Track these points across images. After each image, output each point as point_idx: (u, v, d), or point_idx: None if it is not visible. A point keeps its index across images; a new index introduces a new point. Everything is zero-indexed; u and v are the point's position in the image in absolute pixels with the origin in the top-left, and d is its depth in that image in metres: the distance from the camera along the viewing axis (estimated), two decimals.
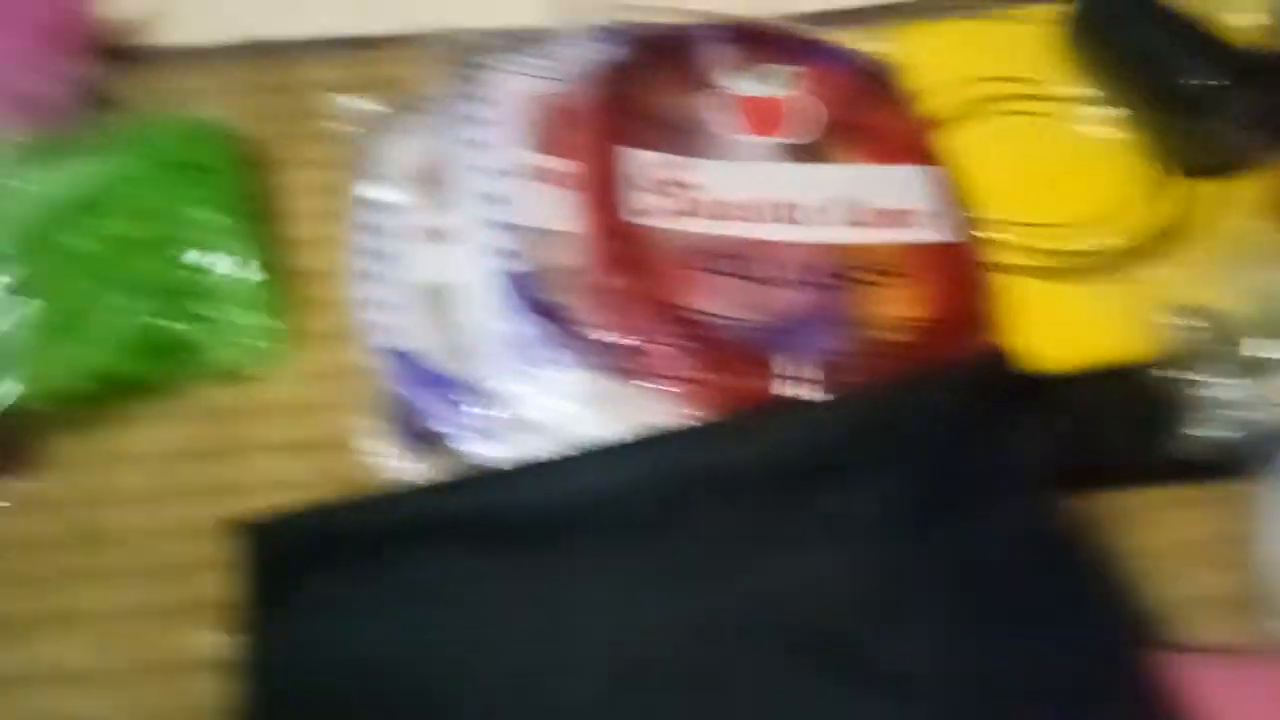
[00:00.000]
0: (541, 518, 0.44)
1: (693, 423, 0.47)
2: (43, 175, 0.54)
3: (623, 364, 0.48)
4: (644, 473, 0.44)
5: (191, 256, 0.54)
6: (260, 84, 0.68)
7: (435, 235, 0.58)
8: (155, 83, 0.66)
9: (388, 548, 0.44)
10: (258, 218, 0.59)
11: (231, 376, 0.54)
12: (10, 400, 0.48)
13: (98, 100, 0.62)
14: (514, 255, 0.53)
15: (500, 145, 0.57)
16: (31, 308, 0.50)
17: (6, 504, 0.49)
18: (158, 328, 0.52)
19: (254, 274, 0.55)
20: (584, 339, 0.49)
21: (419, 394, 0.52)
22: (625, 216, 0.53)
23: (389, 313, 0.55)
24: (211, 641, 0.44)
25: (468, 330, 0.52)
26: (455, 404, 0.50)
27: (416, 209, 0.59)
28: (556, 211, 0.54)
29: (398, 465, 0.50)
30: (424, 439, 0.50)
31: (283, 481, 0.50)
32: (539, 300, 0.51)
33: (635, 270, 0.51)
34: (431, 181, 0.61)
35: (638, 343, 0.49)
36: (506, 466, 0.47)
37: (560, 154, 0.56)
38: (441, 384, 0.51)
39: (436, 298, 0.56)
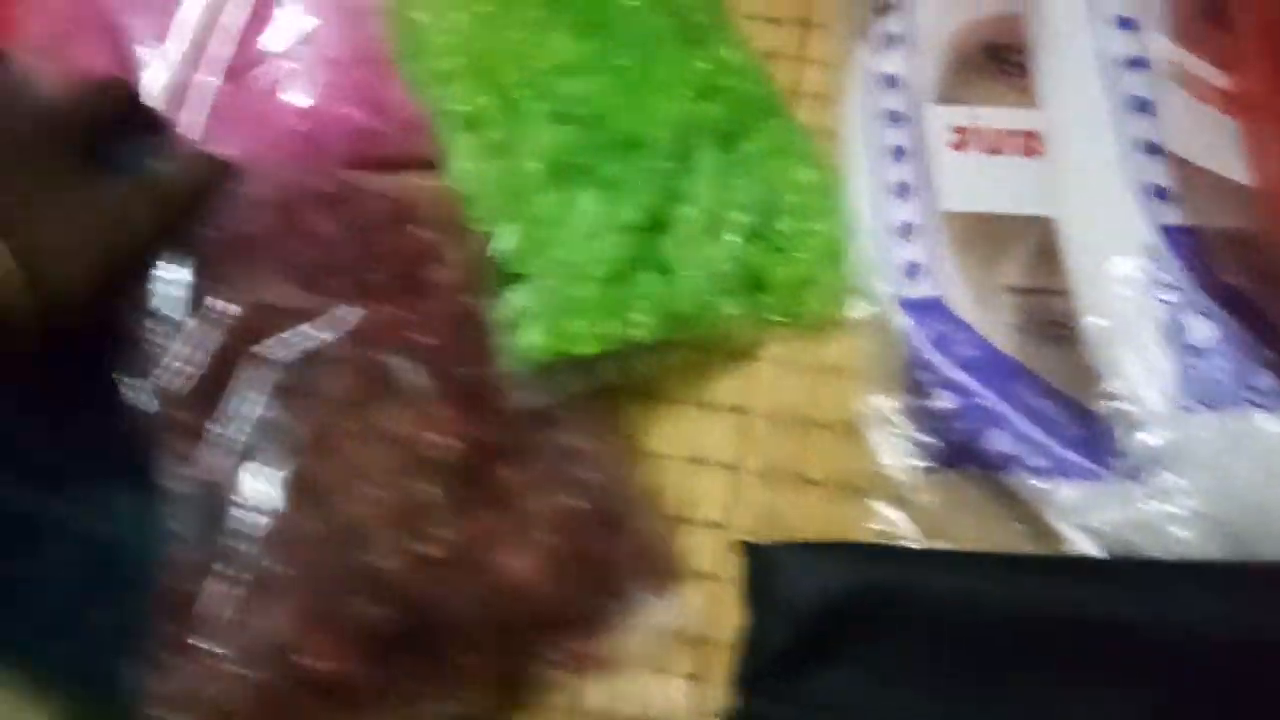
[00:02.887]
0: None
1: None
2: None
3: None
4: None
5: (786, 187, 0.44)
6: None
7: (1011, 143, 0.39)
8: None
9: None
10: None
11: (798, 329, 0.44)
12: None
13: None
14: (1165, 197, 0.38)
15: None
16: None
17: None
18: (750, 263, 0.42)
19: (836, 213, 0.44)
20: None
21: (956, 381, 0.40)
22: None
23: (908, 250, 0.42)
24: None
25: (1075, 301, 0.39)
26: (1029, 415, 0.38)
27: (964, 97, 0.45)
28: (1215, 142, 0.39)
29: (909, 472, 0.39)
30: (962, 451, 0.39)
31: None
32: (1218, 279, 0.36)
33: None
34: (987, 61, 0.43)
35: None
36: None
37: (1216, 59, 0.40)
38: (1003, 374, 0.39)
39: (1005, 235, 0.42)
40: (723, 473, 0.41)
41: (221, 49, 0.45)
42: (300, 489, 0.32)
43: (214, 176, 0.39)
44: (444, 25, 0.42)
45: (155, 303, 0.36)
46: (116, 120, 0.39)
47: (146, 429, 0.34)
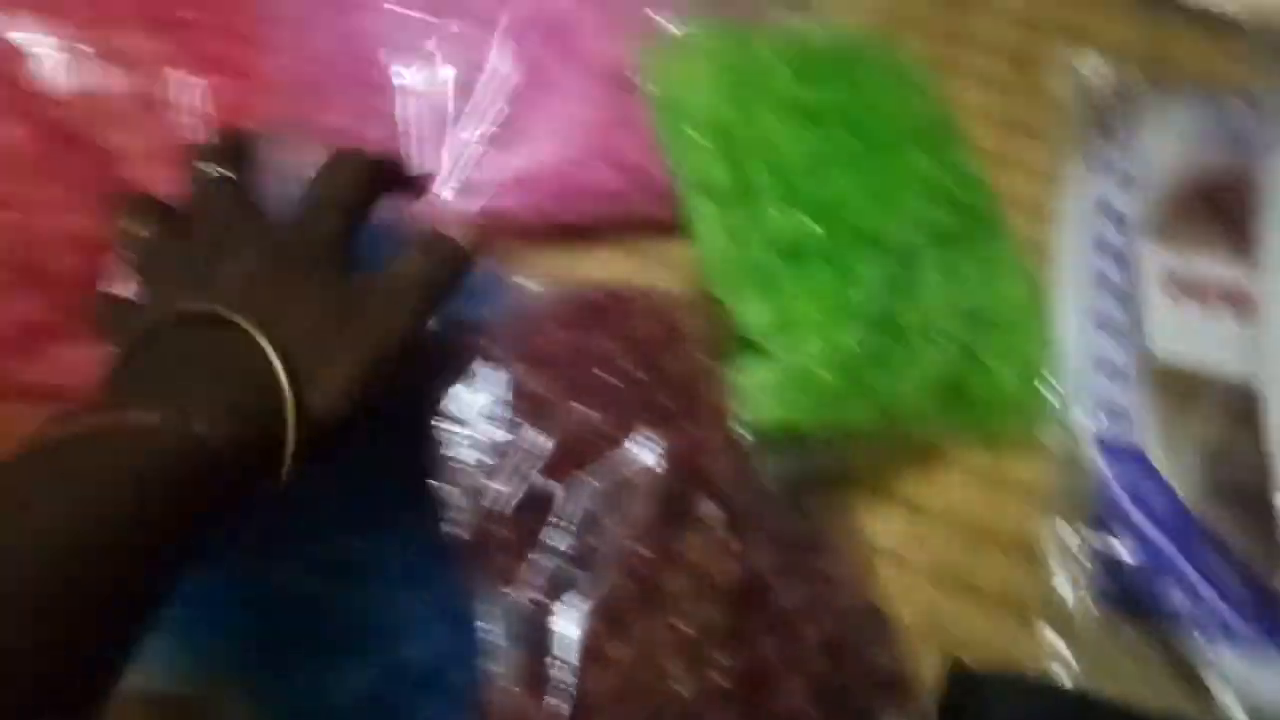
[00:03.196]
0: None
1: None
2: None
3: None
4: None
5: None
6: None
7: (1221, 298, 0.40)
8: None
9: None
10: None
11: (986, 440, 0.44)
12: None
13: None
14: None
15: None
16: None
17: None
18: (953, 371, 0.43)
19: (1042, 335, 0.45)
20: None
21: (1140, 529, 0.41)
22: None
23: (1108, 388, 0.43)
24: None
25: (1270, 473, 0.40)
26: (1208, 576, 0.39)
27: (1179, 241, 0.46)
28: None
29: (1081, 606, 0.40)
30: (1135, 598, 0.40)
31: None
32: None
33: None
34: (1205, 208, 0.44)
35: None
36: None
37: None
38: (1188, 533, 0.40)
39: (1203, 389, 0.42)
40: (891, 563, 0.43)
41: (478, 106, 0.46)
42: (607, 614, 0.33)
43: (463, 266, 0.36)
44: (700, 103, 0.43)
45: (462, 412, 0.36)
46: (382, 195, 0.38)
47: (463, 544, 0.34)
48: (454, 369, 0.36)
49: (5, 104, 0.44)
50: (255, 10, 0.48)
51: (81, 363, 0.40)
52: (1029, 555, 0.42)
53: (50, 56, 0.44)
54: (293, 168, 0.42)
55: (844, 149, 0.43)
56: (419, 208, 0.46)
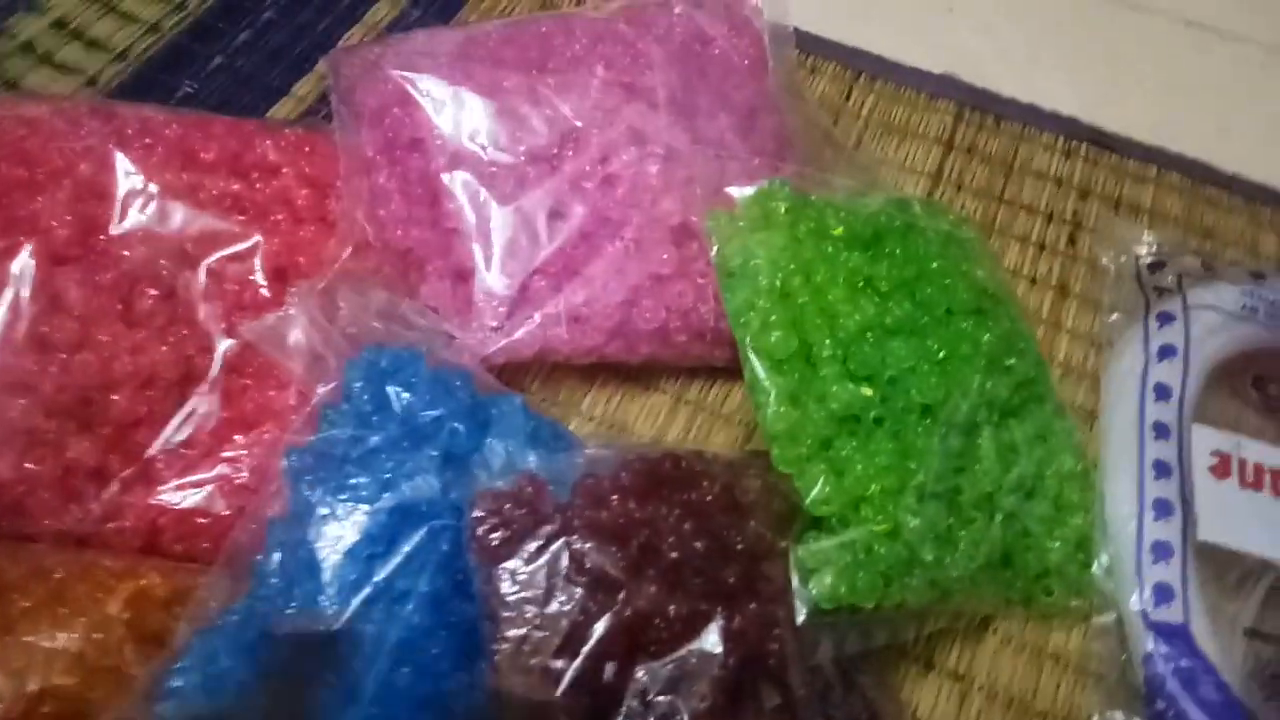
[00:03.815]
0: None
1: None
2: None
3: None
4: None
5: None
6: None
7: (1270, 480, 0.41)
8: None
9: None
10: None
11: (1033, 613, 0.45)
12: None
13: None
14: None
15: None
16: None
17: None
18: (1002, 541, 0.43)
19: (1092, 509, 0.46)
20: None
21: (1186, 713, 0.40)
22: None
23: (1156, 567, 0.43)
24: None
25: None
26: None
27: (1227, 420, 0.47)
28: None
29: None
30: None
31: None
32: None
33: None
34: (1254, 387, 0.44)
35: None
36: None
37: None
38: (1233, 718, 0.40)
39: (1251, 574, 0.43)
40: None
41: (540, 244, 0.48)
42: None
43: None
44: (764, 270, 0.44)
45: (521, 583, 0.36)
46: None
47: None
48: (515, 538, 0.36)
49: (95, 249, 0.45)
50: (332, 154, 0.50)
51: (120, 509, 0.42)
52: None
53: (136, 199, 0.46)
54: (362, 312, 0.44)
55: (906, 319, 0.44)
56: (477, 339, 0.47)
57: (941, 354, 0.44)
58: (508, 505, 0.37)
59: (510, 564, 0.36)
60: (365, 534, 0.37)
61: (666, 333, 0.48)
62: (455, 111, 0.50)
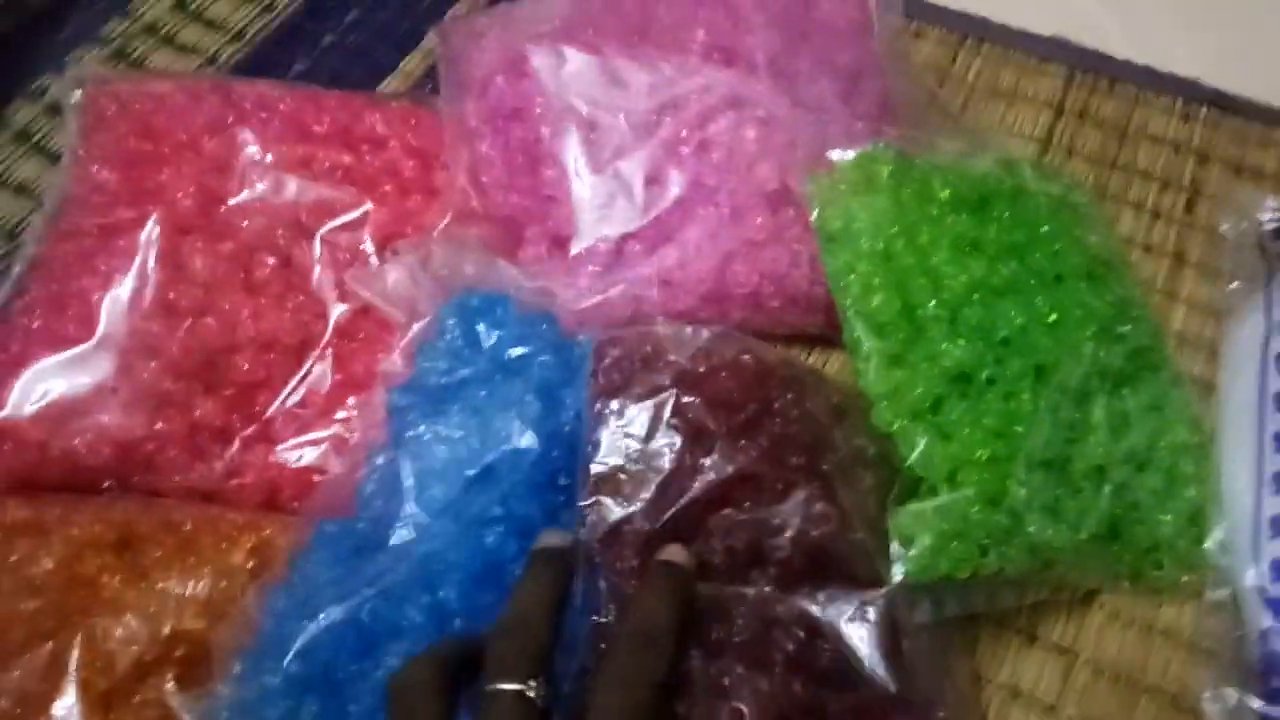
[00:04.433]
0: None
1: None
2: None
3: None
4: None
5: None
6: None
7: None
8: None
9: None
10: None
11: (1142, 588, 0.44)
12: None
13: None
14: None
15: None
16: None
17: None
18: (1111, 514, 0.42)
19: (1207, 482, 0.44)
20: None
21: None
22: None
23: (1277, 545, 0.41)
24: None
25: None
26: None
27: None
28: None
29: None
30: None
31: None
32: None
33: None
34: None
35: None
36: None
37: None
38: None
39: None
40: (1040, 712, 0.42)
41: (639, 207, 0.49)
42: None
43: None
44: (865, 233, 0.44)
45: (623, 422, 0.38)
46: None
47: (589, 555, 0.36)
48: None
49: (216, 218, 0.47)
50: (437, 126, 0.52)
51: (242, 467, 0.44)
52: (1182, 709, 0.41)
53: (254, 171, 0.48)
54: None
55: (1013, 281, 0.43)
56: (569, 299, 0.48)
57: (1053, 317, 0.43)
58: (628, 351, 0.40)
59: (619, 400, 0.38)
60: (458, 459, 0.39)
61: (760, 298, 0.48)
62: (557, 80, 0.50)
